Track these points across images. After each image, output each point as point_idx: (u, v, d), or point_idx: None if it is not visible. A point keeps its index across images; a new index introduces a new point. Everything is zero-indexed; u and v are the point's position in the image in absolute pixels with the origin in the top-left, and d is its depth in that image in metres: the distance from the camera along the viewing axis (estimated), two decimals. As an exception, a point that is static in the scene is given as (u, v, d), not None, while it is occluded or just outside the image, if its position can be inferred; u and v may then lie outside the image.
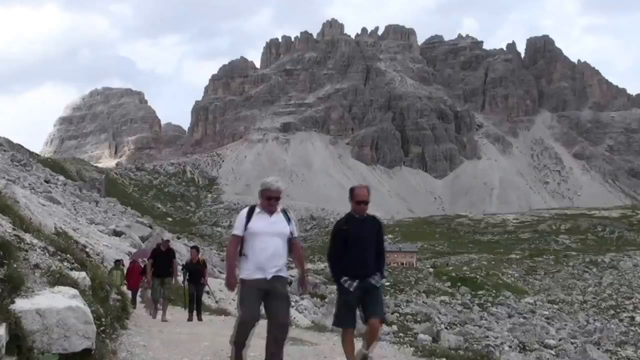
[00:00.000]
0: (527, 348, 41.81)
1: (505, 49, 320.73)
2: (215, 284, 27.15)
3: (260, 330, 8.10)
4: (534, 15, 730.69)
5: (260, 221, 5.63)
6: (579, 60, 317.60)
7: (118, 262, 18.74)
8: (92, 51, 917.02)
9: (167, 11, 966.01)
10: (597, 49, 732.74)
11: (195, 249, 15.68)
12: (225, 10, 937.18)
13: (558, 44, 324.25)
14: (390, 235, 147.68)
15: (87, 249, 19.12)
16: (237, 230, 5.64)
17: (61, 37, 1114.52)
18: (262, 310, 5.85)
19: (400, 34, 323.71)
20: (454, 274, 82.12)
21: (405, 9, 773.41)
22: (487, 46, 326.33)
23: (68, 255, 7.67)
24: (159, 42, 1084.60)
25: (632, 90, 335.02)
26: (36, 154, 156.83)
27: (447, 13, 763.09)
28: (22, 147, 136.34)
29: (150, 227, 65.64)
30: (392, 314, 53.17)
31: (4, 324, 3.84)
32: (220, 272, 45.68)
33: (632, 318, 58.80)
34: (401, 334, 41.90)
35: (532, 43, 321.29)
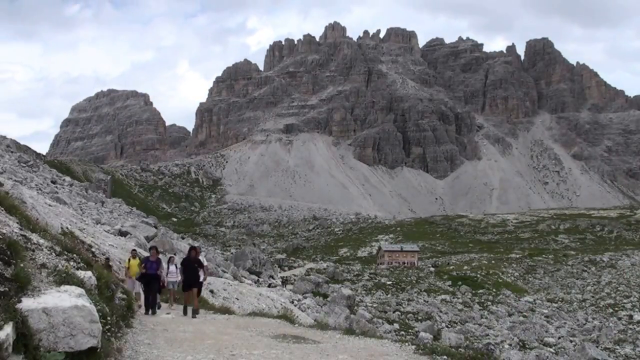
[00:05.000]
0: (526, 346, 43.11)
1: (505, 51, 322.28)
2: (219, 283, 28.23)
3: (265, 329, 9.78)
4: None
5: None
6: (577, 62, 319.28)
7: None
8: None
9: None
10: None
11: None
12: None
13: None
14: (391, 235, 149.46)
15: (93, 249, 19.44)
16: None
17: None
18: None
19: (401, 37, 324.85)
20: (454, 273, 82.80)
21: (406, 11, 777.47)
22: (487, 49, 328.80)
23: (74, 255, 7.70)
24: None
25: (630, 92, 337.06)
26: (43, 155, 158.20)
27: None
28: (29, 148, 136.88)
29: (156, 227, 67.20)
30: (393, 312, 54.50)
31: (10, 323, 3.82)
32: (224, 272, 47.43)
33: (630, 316, 59.13)
34: (402, 332, 43.90)
35: (531, 45, 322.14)
